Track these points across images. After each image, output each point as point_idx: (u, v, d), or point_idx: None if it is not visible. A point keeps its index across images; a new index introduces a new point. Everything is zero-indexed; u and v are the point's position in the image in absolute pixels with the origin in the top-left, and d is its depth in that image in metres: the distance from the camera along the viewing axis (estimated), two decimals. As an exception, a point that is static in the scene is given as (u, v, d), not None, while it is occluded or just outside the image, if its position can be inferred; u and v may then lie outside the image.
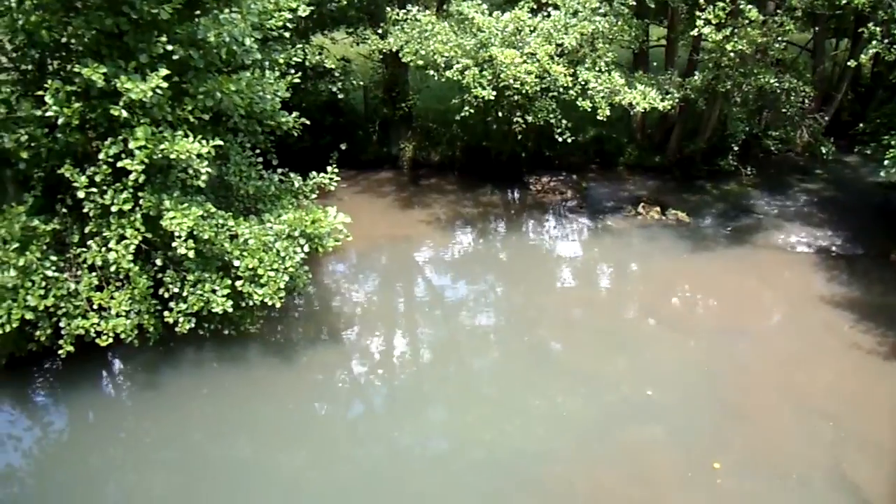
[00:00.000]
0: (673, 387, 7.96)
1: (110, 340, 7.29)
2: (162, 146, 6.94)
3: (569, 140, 11.44)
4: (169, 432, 7.29)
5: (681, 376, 8.15)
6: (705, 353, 8.66)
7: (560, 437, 7.25)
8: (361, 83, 13.81)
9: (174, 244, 7.16)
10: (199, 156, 7.16)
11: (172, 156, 6.98)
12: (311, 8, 9.49)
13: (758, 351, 8.68)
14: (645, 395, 7.86)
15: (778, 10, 11.34)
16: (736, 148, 13.09)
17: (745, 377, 8.16)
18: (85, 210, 7.29)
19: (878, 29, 10.30)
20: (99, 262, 7.35)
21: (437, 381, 8.35)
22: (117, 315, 7.33)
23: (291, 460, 6.95)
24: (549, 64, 10.56)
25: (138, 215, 7.22)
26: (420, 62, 11.17)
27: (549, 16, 11.02)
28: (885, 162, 9.98)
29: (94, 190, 7.20)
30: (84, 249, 7.47)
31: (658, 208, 12.52)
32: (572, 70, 10.97)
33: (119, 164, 6.95)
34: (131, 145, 6.87)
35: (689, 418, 7.50)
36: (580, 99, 10.90)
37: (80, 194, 7.15)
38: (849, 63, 11.37)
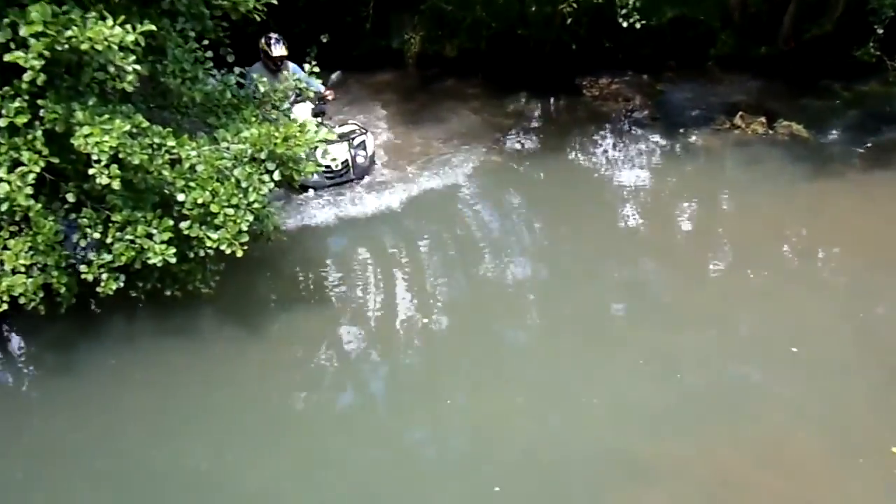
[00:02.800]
0: (795, 356, 7.80)
1: (5, 307, 7.03)
2: (68, 33, 6.53)
3: (637, 25, 11.10)
4: (92, 435, 7.05)
5: (804, 342, 7.95)
6: (837, 314, 8.42)
7: (632, 428, 7.02)
8: (348, -53, 13.40)
9: (91, 172, 6.84)
10: (122, 48, 6.75)
11: (84, 47, 6.58)
12: None
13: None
14: (746, 371, 7.68)
15: None
16: (880, 31, 12.40)
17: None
18: (-37, 126, 6.94)
19: None
20: (-14, 199, 7.04)
21: (454, 357, 8.13)
22: (13, 271, 7.03)
23: (262, 469, 6.73)
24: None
25: (38, 132, 6.89)
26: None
27: None
28: None
29: (-25, 97, 6.84)
30: (-36, 181, 7.17)
31: (763, 119, 12.23)
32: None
33: (7, 59, 6.55)
34: (23, 32, 6.46)
35: (840, 386, 7.33)
36: (656, -36, 10.46)
37: (-45, 103, 6.79)
38: None
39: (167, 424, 7.21)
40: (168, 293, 7.93)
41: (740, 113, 12.38)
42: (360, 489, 6.57)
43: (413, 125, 12.42)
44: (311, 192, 10.18)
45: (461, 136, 12.05)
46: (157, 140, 7.24)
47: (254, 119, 8.18)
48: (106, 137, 6.76)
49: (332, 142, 9.65)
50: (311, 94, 10.30)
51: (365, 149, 10.45)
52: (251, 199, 7.41)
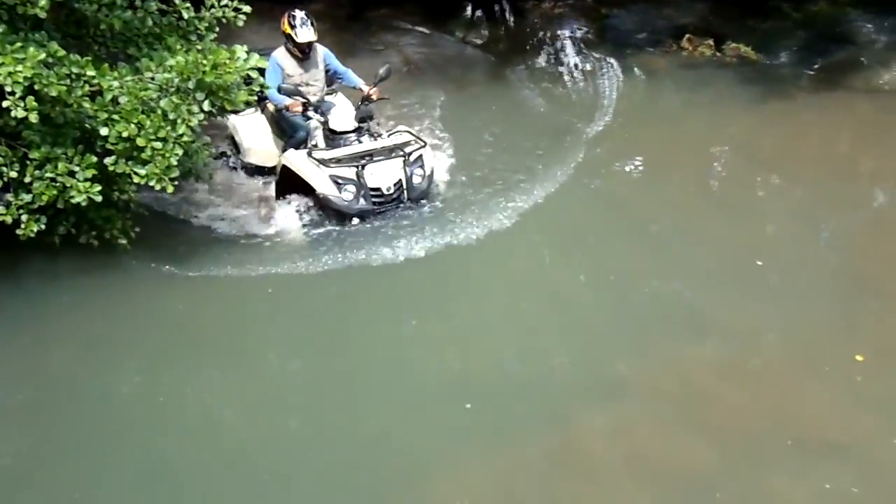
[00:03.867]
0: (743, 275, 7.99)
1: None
2: (-29, -46, 6.32)
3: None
4: (13, 368, 6.91)
5: (768, 255, 8.19)
6: (798, 228, 8.67)
7: (598, 345, 7.17)
8: None
9: (5, 104, 6.63)
10: (32, -30, 6.55)
11: (-10, -31, 6.38)
12: None
13: (867, 227, 8.71)
14: (712, 285, 7.84)
15: None
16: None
17: (858, 258, 8.20)
18: None
19: None
20: None
21: (410, 277, 8.17)
22: (-78, 216, 6.86)
23: (203, 396, 6.73)
24: None
25: (-56, 64, 6.63)
26: None
27: None
28: None
29: None
30: None
31: (711, 41, 12.29)
32: None
33: None
34: (-77, -47, 6.23)
35: (805, 297, 7.62)
36: None
37: None
38: None
39: (95, 356, 7.07)
40: (82, 240, 7.74)
41: (687, 35, 12.40)
42: (313, 412, 6.51)
43: (346, 57, 12.16)
44: (355, 220, 8.43)
45: (395, 69, 11.79)
46: (75, 70, 7.01)
47: (179, 47, 7.90)
48: (19, 67, 6.53)
49: (382, 158, 8.44)
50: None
51: (423, 166, 8.61)
52: (180, 132, 7.24)
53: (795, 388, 6.69)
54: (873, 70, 11.62)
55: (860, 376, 6.74)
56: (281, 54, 8.70)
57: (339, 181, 8.21)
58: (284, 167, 8.55)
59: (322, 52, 8.95)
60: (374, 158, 8.35)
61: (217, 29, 8.57)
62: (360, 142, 8.53)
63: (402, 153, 8.46)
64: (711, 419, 6.41)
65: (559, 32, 12.79)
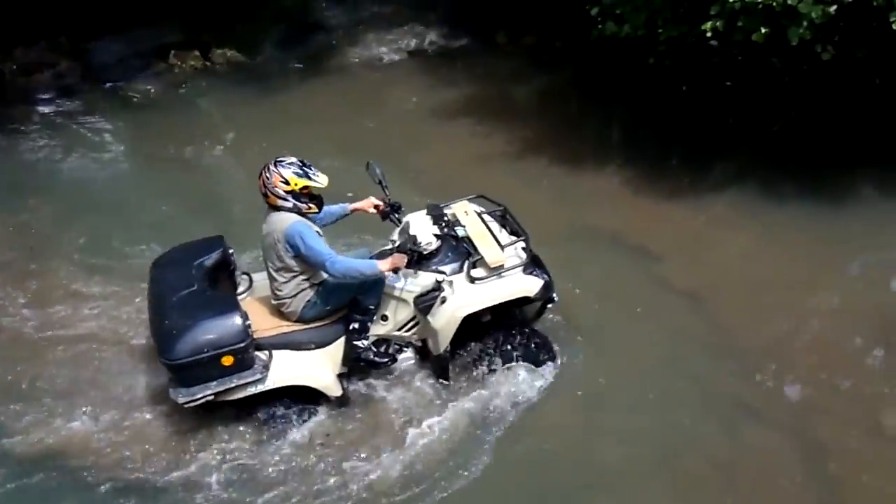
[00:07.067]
0: None
1: None
2: None
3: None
4: None
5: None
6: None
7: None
8: None
9: None
10: None
11: None
12: None
13: (406, 173, 9.08)
14: None
15: None
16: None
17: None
18: None
19: None
20: None
21: None
22: None
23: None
24: None
25: None
26: None
27: None
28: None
29: None
30: None
31: (197, 52, 12.32)
32: None
33: None
34: None
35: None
36: None
37: None
38: None
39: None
40: None
41: (173, 52, 12.23)
42: None
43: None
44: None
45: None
46: None
47: None
48: None
49: (493, 224, 6.67)
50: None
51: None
52: None
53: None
54: (348, 49, 12.42)
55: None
56: (303, 219, 5.92)
57: (530, 266, 6.36)
58: (462, 320, 6.27)
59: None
60: (494, 228, 6.60)
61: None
62: (456, 238, 6.48)
63: (500, 212, 6.82)
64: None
65: (41, 79, 11.80)
